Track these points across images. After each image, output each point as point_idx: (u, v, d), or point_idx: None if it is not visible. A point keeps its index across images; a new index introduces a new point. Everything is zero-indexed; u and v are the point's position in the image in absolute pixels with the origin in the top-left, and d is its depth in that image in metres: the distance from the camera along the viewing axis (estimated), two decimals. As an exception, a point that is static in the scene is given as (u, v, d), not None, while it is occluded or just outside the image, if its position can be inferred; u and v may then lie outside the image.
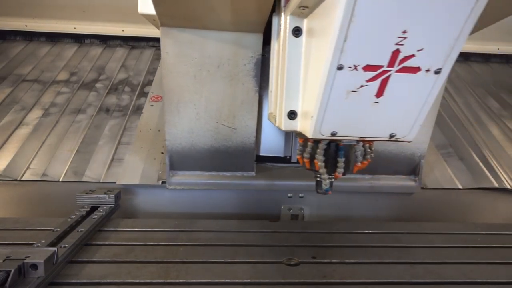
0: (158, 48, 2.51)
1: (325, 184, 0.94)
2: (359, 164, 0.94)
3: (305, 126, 0.84)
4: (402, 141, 0.81)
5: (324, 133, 0.78)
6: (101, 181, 1.48)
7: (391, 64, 0.68)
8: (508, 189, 1.60)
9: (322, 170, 0.91)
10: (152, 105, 1.91)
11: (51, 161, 1.57)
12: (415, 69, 0.69)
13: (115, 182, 1.46)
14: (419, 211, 1.58)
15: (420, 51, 0.66)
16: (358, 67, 0.68)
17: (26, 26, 2.47)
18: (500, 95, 2.31)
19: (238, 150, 1.42)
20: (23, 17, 2.46)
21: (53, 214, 1.38)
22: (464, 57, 2.69)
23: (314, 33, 0.80)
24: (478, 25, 0.68)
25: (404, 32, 0.63)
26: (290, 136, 1.54)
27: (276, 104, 1.00)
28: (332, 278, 0.95)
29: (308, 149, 0.91)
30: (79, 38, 2.53)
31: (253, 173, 1.49)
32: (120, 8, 2.45)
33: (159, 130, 1.72)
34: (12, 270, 0.78)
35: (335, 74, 0.68)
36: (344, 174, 0.92)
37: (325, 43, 0.69)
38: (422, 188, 1.56)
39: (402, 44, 0.65)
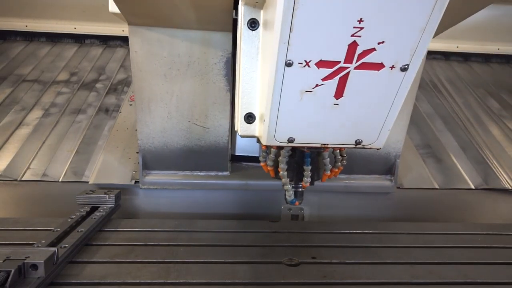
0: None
1: (289, 196, 0.85)
2: (328, 172, 0.86)
3: (260, 130, 0.75)
4: (370, 148, 0.72)
5: (280, 140, 0.70)
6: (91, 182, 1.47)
7: (348, 59, 0.59)
8: (509, 189, 1.60)
9: (285, 180, 0.82)
10: (131, 104, 1.91)
11: (51, 161, 1.57)
12: (378, 66, 0.60)
13: (87, 182, 1.45)
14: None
15: (382, 44, 0.57)
16: (310, 63, 0.59)
17: (26, 26, 2.47)
18: (500, 95, 2.31)
19: (212, 149, 1.41)
20: (24, 17, 2.46)
21: (53, 214, 1.37)
22: (464, 57, 2.69)
23: (267, 26, 0.69)
24: (444, 22, 0.59)
25: (360, 21, 0.54)
26: None
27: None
28: (332, 278, 0.95)
29: (272, 155, 0.83)
30: (79, 39, 2.53)
31: (227, 173, 1.48)
32: (120, 9, 2.45)
33: (136, 130, 1.72)
34: (12, 270, 0.78)
35: (284, 71, 0.60)
36: (312, 183, 0.84)
37: (272, 36, 0.59)
38: (398, 187, 1.56)
39: (359, 36, 0.56)
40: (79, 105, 1.92)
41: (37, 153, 1.61)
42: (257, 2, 0.71)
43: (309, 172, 0.82)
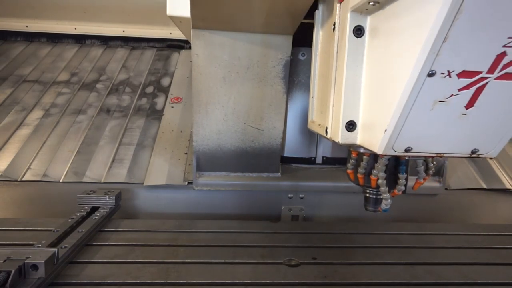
0: (159, 49, 2.51)
1: (386, 204, 0.83)
2: (421, 180, 0.85)
3: (369, 139, 0.73)
4: (483, 158, 0.71)
5: (397, 149, 0.67)
6: (102, 181, 1.48)
7: (491, 69, 0.57)
8: (509, 189, 1.60)
9: (384, 188, 0.81)
10: (172, 107, 1.93)
11: (51, 161, 1.57)
12: None
13: (142, 184, 1.47)
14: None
15: None
16: (452, 73, 0.57)
17: (27, 26, 2.48)
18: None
19: (265, 151, 1.43)
20: (24, 18, 2.47)
21: (54, 215, 1.38)
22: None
23: (384, 32, 0.67)
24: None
25: None
26: (314, 137, 1.54)
27: (320, 113, 0.91)
28: (333, 279, 0.94)
29: (364, 163, 0.82)
30: (79, 39, 2.54)
31: (278, 174, 1.49)
32: (120, 9, 2.46)
33: (181, 131, 1.73)
34: (13, 271, 0.78)
35: (423, 82, 0.57)
36: (404, 191, 0.82)
37: (410, 45, 0.57)
38: (446, 189, 1.55)
39: (510, 46, 0.54)
40: (80, 106, 1.93)
41: (37, 153, 1.61)
42: (367, 9, 0.69)
43: (404, 180, 0.81)
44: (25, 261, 0.82)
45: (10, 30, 2.48)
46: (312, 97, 1.04)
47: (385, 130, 0.65)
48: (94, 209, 1.28)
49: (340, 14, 0.78)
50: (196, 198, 1.50)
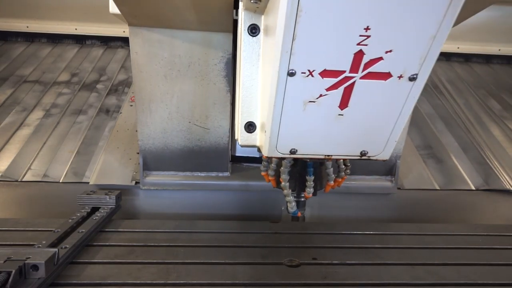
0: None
1: (291, 207, 0.82)
2: (331, 182, 0.83)
3: (261, 140, 0.72)
4: (375, 160, 0.69)
5: (282, 151, 0.67)
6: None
7: (354, 69, 0.56)
8: (510, 190, 1.60)
9: (287, 191, 0.79)
10: (131, 105, 1.91)
11: (51, 162, 1.57)
12: (385, 75, 0.57)
13: (88, 183, 1.46)
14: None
15: (389, 53, 0.55)
16: (313, 73, 0.56)
17: (27, 27, 2.48)
18: (501, 96, 2.31)
19: (212, 150, 1.41)
20: (25, 18, 2.47)
21: (54, 215, 1.38)
22: (465, 58, 2.69)
23: (267, 32, 0.67)
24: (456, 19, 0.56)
25: (367, 29, 0.51)
26: None
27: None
28: (333, 279, 0.94)
29: (273, 165, 0.81)
30: (80, 39, 2.54)
31: (227, 174, 1.48)
32: (121, 9, 2.46)
33: (136, 130, 1.72)
34: (13, 271, 0.78)
35: (286, 81, 0.57)
36: (314, 194, 0.81)
37: (271, 44, 0.57)
38: (399, 188, 1.56)
39: (365, 44, 0.53)
40: (80, 106, 1.93)
41: (38, 153, 1.61)
42: (257, 7, 0.68)
43: (312, 183, 0.80)
44: (26, 262, 0.82)
45: (11, 31, 2.49)
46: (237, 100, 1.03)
47: (265, 131, 0.65)
48: (94, 210, 1.28)
49: (240, 13, 0.75)
50: (195, 199, 1.49)
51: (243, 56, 0.73)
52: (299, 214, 0.84)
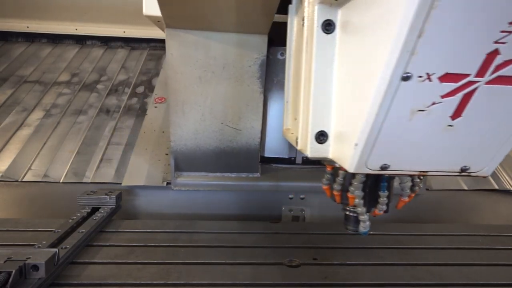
0: (151, 49, 2.51)
1: (364, 227, 0.74)
2: (405, 198, 0.75)
3: (341, 153, 0.62)
4: (475, 176, 0.60)
5: (372, 167, 0.57)
6: (89, 181, 1.48)
7: (481, 72, 0.47)
8: (510, 190, 1.60)
9: (361, 209, 0.71)
10: (156, 107, 1.92)
11: (52, 162, 1.57)
12: None
13: (120, 183, 1.46)
14: (424, 212, 1.56)
15: None
16: (432, 77, 0.47)
17: (27, 27, 2.48)
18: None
19: (243, 151, 1.41)
20: (25, 18, 2.47)
21: (54, 215, 1.37)
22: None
23: (355, 28, 0.57)
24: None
25: (511, 23, 0.42)
26: None
27: (294, 120, 0.80)
28: (333, 280, 0.94)
29: (340, 179, 0.73)
30: (80, 40, 2.54)
31: (258, 174, 1.48)
32: (121, 10, 2.46)
33: (163, 132, 1.73)
34: (13, 271, 0.78)
35: (397, 87, 0.48)
36: (386, 211, 0.73)
37: (381, 41, 0.48)
38: (427, 189, 1.55)
39: (504, 42, 0.44)
40: (80, 106, 1.93)
41: (38, 154, 1.61)
42: (336, 0, 0.58)
43: (385, 199, 0.71)
44: (26, 262, 0.82)
45: (11, 31, 2.49)
46: (287, 102, 0.90)
47: (356, 145, 0.54)
48: (94, 210, 1.28)
49: (308, 6, 0.65)
50: (196, 199, 1.50)
51: (316, 58, 0.63)
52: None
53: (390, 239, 1.19)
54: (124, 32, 2.52)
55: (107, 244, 1.09)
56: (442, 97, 0.49)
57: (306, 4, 0.66)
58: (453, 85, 0.48)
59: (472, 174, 0.59)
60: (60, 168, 1.54)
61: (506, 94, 0.49)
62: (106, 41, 2.55)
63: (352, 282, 0.94)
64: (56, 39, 2.52)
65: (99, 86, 2.11)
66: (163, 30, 1.24)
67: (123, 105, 1.94)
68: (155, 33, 2.49)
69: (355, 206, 0.73)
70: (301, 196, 1.51)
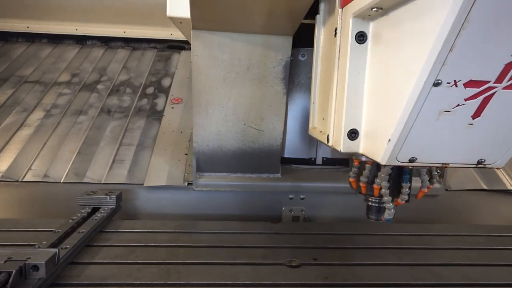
0: (160, 50, 2.52)
1: (389, 214, 0.83)
2: (425, 189, 0.85)
3: (371, 148, 0.72)
4: (490, 168, 0.70)
5: (401, 160, 0.66)
6: (102, 182, 1.48)
7: (500, 79, 0.56)
8: (510, 190, 1.60)
9: (387, 198, 0.81)
10: (172, 107, 1.93)
11: (52, 162, 1.57)
12: None
13: (142, 184, 1.47)
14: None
15: None
16: (458, 83, 0.56)
17: (28, 27, 2.48)
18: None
19: (265, 152, 1.42)
20: (25, 18, 2.47)
21: (55, 215, 1.37)
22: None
23: (388, 39, 0.67)
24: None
25: None
26: (314, 138, 1.54)
27: (321, 119, 0.90)
28: (334, 280, 0.94)
29: (366, 172, 0.82)
30: (80, 40, 2.54)
31: (278, 175, 1.49)
32: (121, 10, 2.46)
33: (181, 132, 1.74)
34: (14, 271, 0.78)
35: (429, 92, 0.56)
36: (407, 200, 0.82)
37: (414, 53, 0.57)
38: (447, 190, 1.55)
39: None
40: (81, 106, 1.93)
41: (38, 154, 1.61)
42: (369, 15, 0.68)
43: (407, 190, 0.80)
44: (26, 262, 0.82)
45: (11, 31, 2.49)
46: (313, 103, 1.02)
47: (389, 140, 0.64)
48: (94, 210, 1.28)
49: (342, 19, 0.76)
50: (196, 199, 1.50)
51: (350, 64, 0.73)
52: (383, 218, 0.86)
53: (390, 239, 1.19)
54: (125, 32, 2.52)
55: (107, 244, 1.09)
56: (466, 100, 0.58)
57: (339, 17, 0.76)
58: (475, 90, 0.57)
59: (487, 166, 0.69)
60: (61, 168, 1.54)
61: None
62: (106, 41, 2.55)
63: (352, 282, 0.94)
64: (56, 39, 2.52)
65: (100, 86, 2.11)
66: (183, 32, 1.24)
67: (134, 106, 1.94)
68: (155, 33, 2.50)
69: (380, 196, 0.81)
70: (301, 196, 1.51)
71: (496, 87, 0.57)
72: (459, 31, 0.49)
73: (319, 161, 1.56)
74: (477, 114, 0.61)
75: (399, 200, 0.82)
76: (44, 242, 1.00)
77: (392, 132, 0.62)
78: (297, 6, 0.93)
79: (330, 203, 1.53)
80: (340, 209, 1.54)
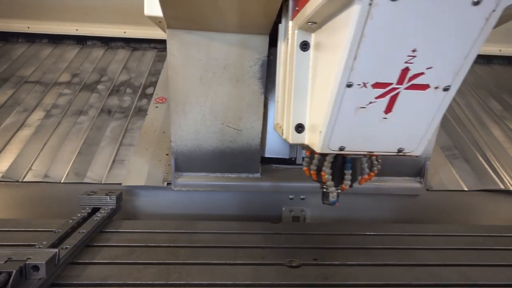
0: (160, 50, 2.52)
1: (332, 197, 0.94)
2: (365, 176, 0.94)
3: (313, 139, 0.84)
4: (410, 156, 0.81)
5: (332, 148, 0.78)
6: (102, 182, 1.48)
7: (400, 81, 0.68)
8: (511, 191, 1.60)
9: (330, 182, 0.91)
10: (156, 107, 1.92)
11: (52, 162, 1.57)
12: (424, 86, 0.69)
13: (120, 184, 1.46)
14: (424, 212, 1.57)
15: (429, 69, 0.67)
16: (367, 85, 0.68)
17: (28, 28, 2.48)
18: (502, 96, 2.31)
19: (244, 151, 1.42)
20: (26, 19, 2.47)
21: (55, 216, 1.38)
22: (466, 58, 2.69)
23: (321, 48, 0.80)
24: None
25: (414, 50, 0.64)
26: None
27: (283, 116, 0.99)
28: (334, 280, 0.94)
29: (315, 161, 0.92)
30: (81, 40, 2.54)
31: (258, 175, 1.48)
32: (121, 10, 2.46)
33: (164, 132, 1.73)
34: (14, 271, 0.78)
35: (344, 91, 0.68)
36: (351, 186, 0.93)
37: (334, 60, 0.69)
38: (428, 190, 1.56)
39: (411, 63, 0.65)
40: (81, 107, 1.93)
41: (38, 154, 1.61)
42: (310, 27, 0.81)
43: (349, 176, 0.90)
44: (26, 262, 0.82)
45: (12, 31, 2.49)
46: (277, 102, 1.11)
47: (320, 132, 0.76)
48: (95, 210, 1.28)
49: (291, 30, 0.89)
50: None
51: (296, 70, 0.86)
52: (336, 204, 0.97)
53: (390, 239, 1.19)
54: (125, 32, 2.53)
55: (108, 244, 1.10)
56: (376, 98, 0.71)
57: (289, 28, 0.90)
58: (382, 90, 0.70)
59: (407, 154, 0.81)
60: (61, 168, 1.54)
61: (419, 96, 0.71)
62: (107, 42, 2.55)
63: (352, 282, 0.94)
64: (56, 39, 2.52)
65: (100, 87, 2.11)
66: (164, 30, 1.24)
67: (134, 106, 1.94)
68: (156, 33, 2.50)
69: (326, 182, 0.91)
70: (302, 197, 1.51)
71: (398, 87, 0.69)
72: (359, 44, 0.62)
73: (299, 160, 1.55)
74: (388, 110, 0.73)
75: (343, 185, 0.93)
76: (45, 242, 1.01)
77: (322, 124, 0.75)
78: (268, 4, 0.94)
79: (314, 204, 1.53)
80: (340, 209, 1.54)
